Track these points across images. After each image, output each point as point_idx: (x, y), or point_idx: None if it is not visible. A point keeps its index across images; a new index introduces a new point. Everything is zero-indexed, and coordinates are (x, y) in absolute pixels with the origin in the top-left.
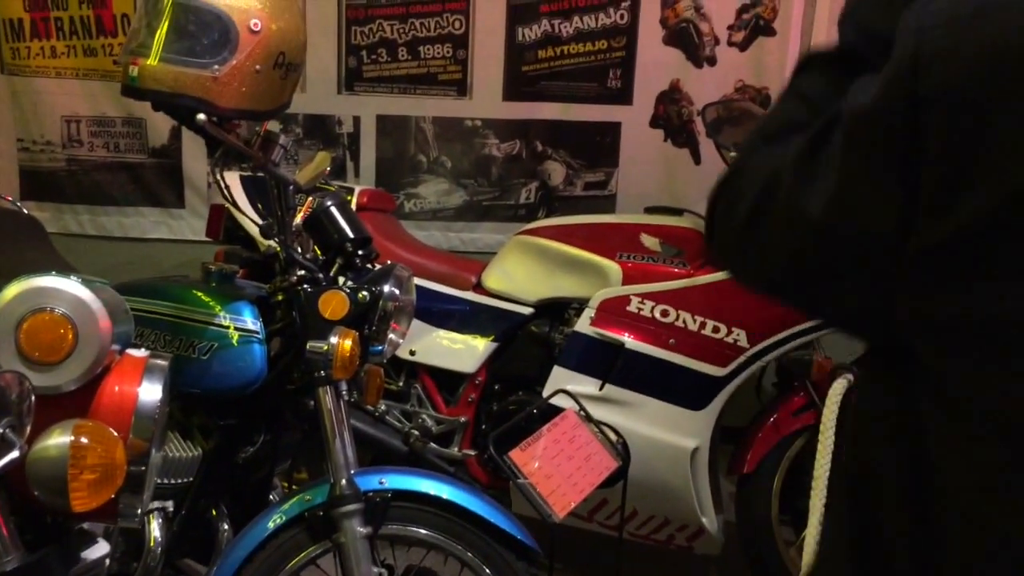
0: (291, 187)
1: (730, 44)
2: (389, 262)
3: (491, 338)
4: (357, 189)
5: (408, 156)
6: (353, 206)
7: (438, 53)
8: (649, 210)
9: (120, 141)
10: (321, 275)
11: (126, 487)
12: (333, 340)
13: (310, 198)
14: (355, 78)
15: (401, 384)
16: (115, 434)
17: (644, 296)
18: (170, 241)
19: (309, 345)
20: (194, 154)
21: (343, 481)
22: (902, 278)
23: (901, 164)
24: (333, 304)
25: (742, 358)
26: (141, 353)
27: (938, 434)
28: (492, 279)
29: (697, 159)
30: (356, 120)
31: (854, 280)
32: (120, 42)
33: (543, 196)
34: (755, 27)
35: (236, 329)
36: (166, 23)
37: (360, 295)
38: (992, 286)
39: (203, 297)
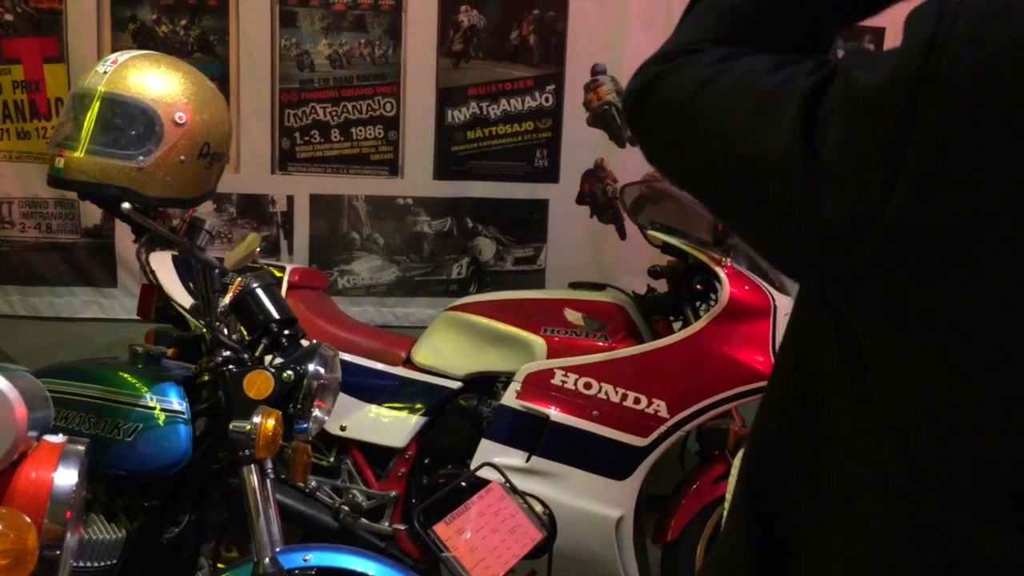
0: (217, 271)
1: None
2: (314, 341)
3: (420, 412)
4: (288, 268)
5: (341, 234)
6: (285, 285)
7: (370, 134)
8: (573, 285)
9: (52, 222)
10: (247, 355)
11: (39, 572)
12: (256, 420)
13: (239, 278)
14: (289, 158)
15: (332, 460)
16: (28, 520)
17: (568, 369)
18: (102, 320)
19: (232, 425)
20: (127, 233)
21: (266, 560)
22: (859, 252)
23: (893, 142)
24: (258, 384)
25: (663, 428)
26: (58, 439)
27: (839, 419)
28: (421, 354)
29: (622, 235)
30: (290, 199)
31: (788, 231)
32: (54, 125)
33: (474, 271)
34: None
35: (162, 410)
36: (93, 117)
37: (285, 374)
38: (962, 283)
39: (129, 379)
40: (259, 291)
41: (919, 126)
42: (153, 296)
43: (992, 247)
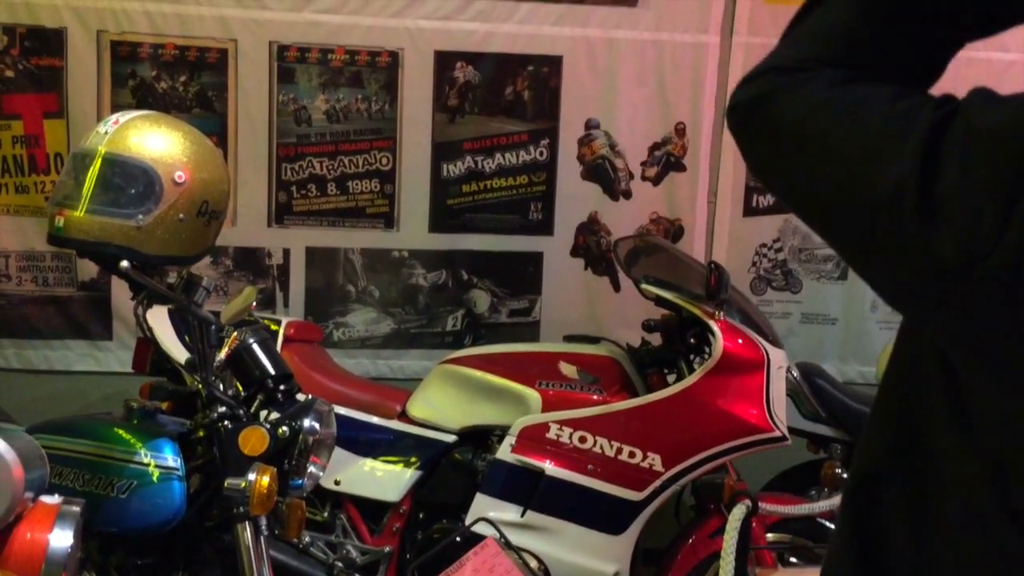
0: (213, 326)
1: (644, 179)
2: (310, 396)
3: (415, 466)
4: (284, 321)
5: (337, 286)
6: (280, 338)
7: (366, 188)
8: (568, 338)
9: (49, 275)
10: (242, 411)
11: None
12: (251, 477)
13: (235, 333)
14: (285, 212)
15: (326, 514)
16: None
17: (563, 423)
18: (97, 373)
19: (227, 482)
20: (123, 286)
21: None
22: (966, 288)
23: (1010, 183)
24: (252, 440)
25: (658, 483)
26: (54, 500)
27: (939, 451)
28: (416, 407)
29: (616, 287)
30: (286, 252)
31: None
32: (53, 179)
33: (469, 323)
34: (666, 163)
35: (156, 466)
36: (94, 177)
37: (280, 430)
38: None
39: (124, 435)
40: (255, 346)
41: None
42: (149, 349)
43: None
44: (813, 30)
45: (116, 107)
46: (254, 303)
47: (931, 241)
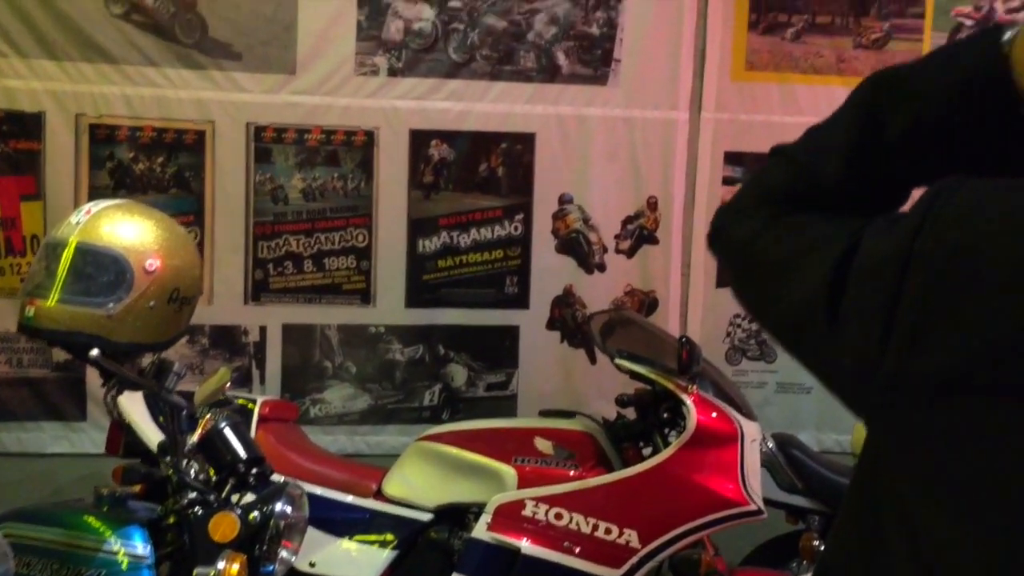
0: (184, 411)
1: (618, 252)
2: (283, 479)
3: (391, 546)
4: (259, 400)
5: (313, 363)
6: (255, 418)
7: (343, 264)
8: (543, 413)
9: (23, 356)
10: (212, 497)
11: None
12: (220, 565)
13: (208, 415)
14: (262, 289)
15: None
16: None
17: (538, 500)
18: (70, 456)
19: (196, 571)
20: None
21: None
22: (872, 394)
23: (887, 305)
24: (223, 527)
25: (635, 559)
26: None
27: (889, 547)
28: (392, 485)
29: (593, 359)
30: (262, 329)
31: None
32: (29, 261)
33: (446, 398)
34: (640, 236)
35: (126, 555)
36: (66, 266)
37: (251, 516)
38: (944, 432)
39: (93, 523)
40: (226, 430)
41: (905, 294)
42: (122, 432)
43: (966, 401)
44: (761, 180)
45: (93, 188)
46: (228, 383)
47: (838, 351)
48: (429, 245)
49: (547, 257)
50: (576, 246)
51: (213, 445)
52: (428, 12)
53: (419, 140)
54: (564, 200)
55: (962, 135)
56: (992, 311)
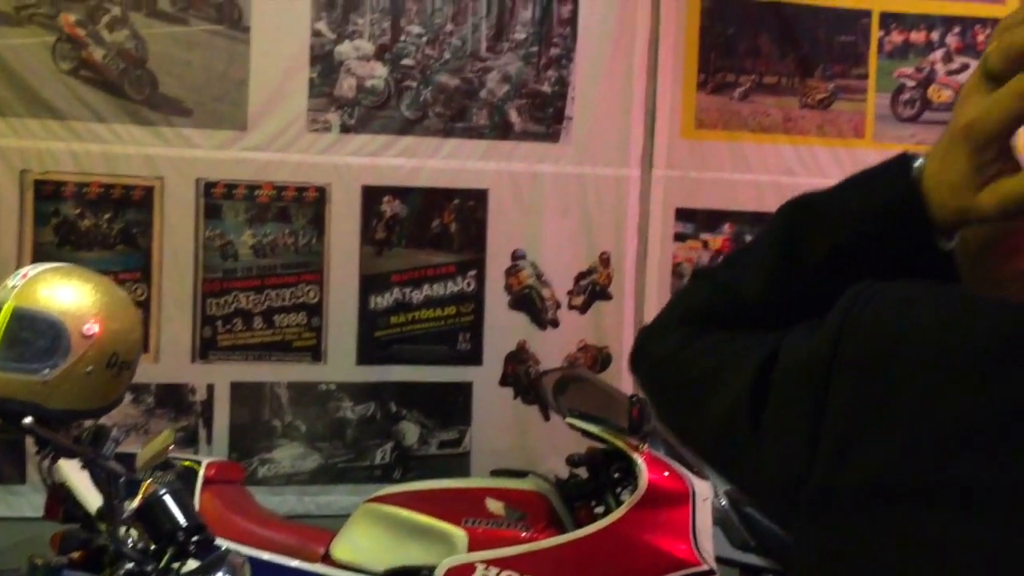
0: (123, 479)
1: (571, 308)
2: (224, 547)
3: None
4: (204, 462)
5: (262, 422)
6: (200, 480)
7: (293, 321)
8: (495, 473)
9: None
10: (151, 567)
11: None
12: None
13: (150, 479)
14: (210, 347)
15: None
16: None
17: (489, 563)
18: (8, 520)
19: None
20: None
21: None
22: (799, 506)
23: (811, 415)
24: None
25: None
26: None
27: None
28: (340, 549)
29: (546, 416)
30: (210, 388)
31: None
32: None
33: (398, 456)
34: (592, 292)
35: None
36: (1, 332)
37: None
38: (872, 543)
39: None
40: (166, 497)
41: (829, 403)
42: (61, 497)
43: (899, 511)
44: (682, 300)
45: (38, 245)
46: (172, 445)
47: (763, 464)
48: (381, 301)
49: (500, 313)
50: (529, 302)
51: (152, 513)
52: (381, 70)
53: (371, 196)
54: (517, 256)
55: (878, 261)
56: (917, 416)
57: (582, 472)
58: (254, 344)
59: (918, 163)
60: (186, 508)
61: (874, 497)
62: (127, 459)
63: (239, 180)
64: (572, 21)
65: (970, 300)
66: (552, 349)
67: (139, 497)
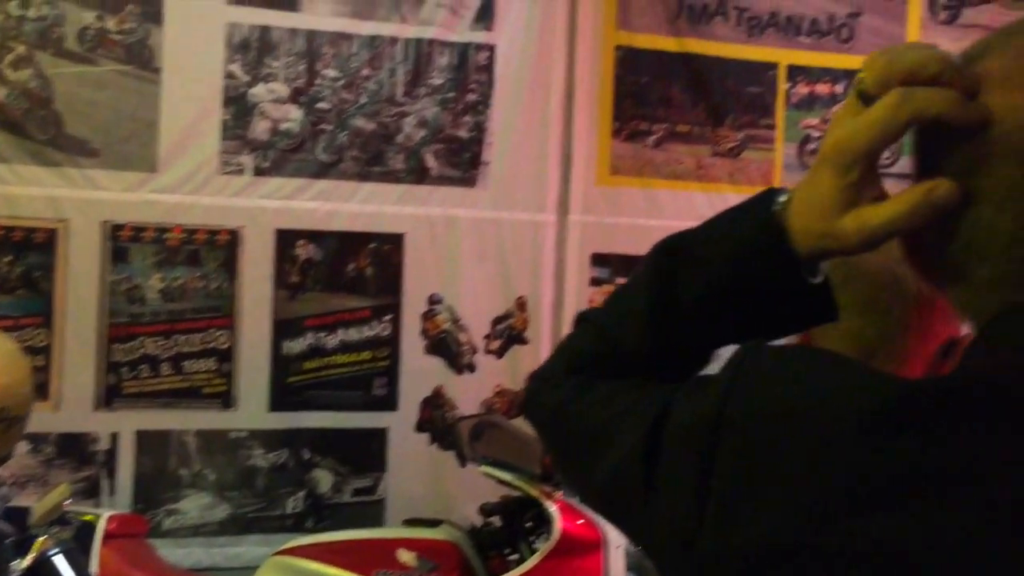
0: (11, 539)
1: (487, 352)
2: None
3: None
4: (105, 515)
5: (169, 471)
6: (100, 534)
7: (203, 367)
8: (408, 522)
9: None
10: None
11: None
12: None
13: (42, 538)
14: (114, 394)
15: None
16: None
17: None
18: None
19: None
20: None
21: None
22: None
23: (701, 475)
24: None
25: None
26: None
27: None
28: None
29: (463, 462)
30: (114, 436)
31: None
32: None
33: (311, 505)
34: (509, 337)
35: None
36: None
37: None
38: None
39: None
40: (58, 559)
41: (716, 465)
42: None
43: (789, 572)
44: (569, 347)
45: None
46: (68, 499)
47: (654, 523)
48: (294, 346)
49: (416, 358)
50: (446, 347)
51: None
52: (296, 113)
53: (285, 240)
54: (433, 300)
55: (751, 299)
56: (803, 480)
57: (497, 520)
58: (162, 391)
59: (783, 197)
60: (79, 568)
61: (760, 560)
62: (22, 513)
63: (148, 222)
64: (489, 68)
65: (855, 368)
66: (469, 394)
67: (29, 557)
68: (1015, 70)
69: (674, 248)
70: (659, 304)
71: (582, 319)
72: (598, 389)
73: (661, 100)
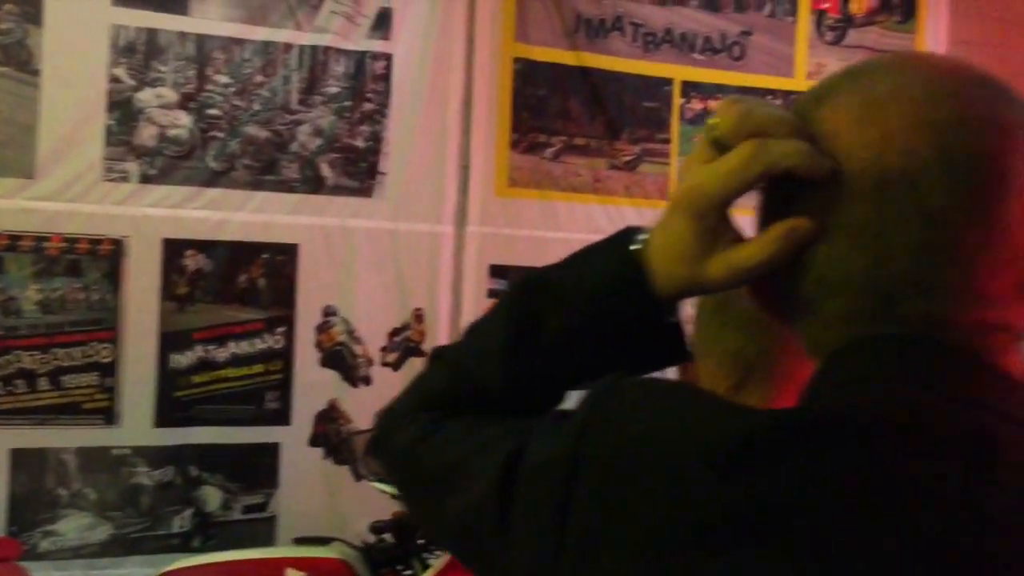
0: None
1: (384, 365)
2: None
3: None
4: None
5: (46, 491)
6: None
7: (83, 382)
8: (298, 541)
9: None
10: None
11: None
12: None
13: None
14: None
15: None
16: None
17: None
18: None
19: None
20: None
21: None
22: None
23: (557, 513)
24: None
25: None
26: None
27: None
28: None
29: (357, 476)
30: None
31: None
32: None
33: (199, 523)
34: (406, 349)
35: None
36: None
37: None
38: None
39: None
40: None
41: (574, 503)
42: None
43: None
44: (422, 384)
45: None
46: None
47: (510, 565)
48: (183, 360)
49: (310, 371)
50: (341, 359)
51: None
52: (185, 119)
53: (173, 250)
54: (328, 312)
55: (610, 337)
56: (658, 516)
57: (390, 537)
58: (39, 407)
59: (642, 236)
60: None
61: None
62: None
63: (25, 231)
64: (386, 77)
65: (708, 404)
66: (364, 407)
67: None
68: (862, 111)
69: (533, 285)
70: (517, 341)
71: (436, 356)
72: (451, 427)
73: (559, 113)
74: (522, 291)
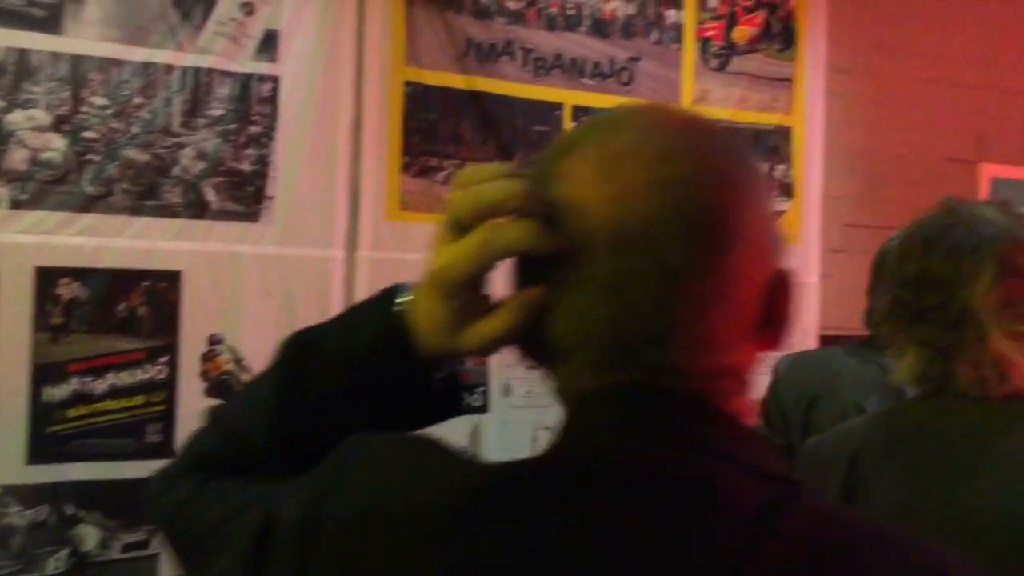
0: None
1: None
2: None
3: None
4: None
5: None
6: None
7: None
8: None
9: None
10: None
11: None
12: None
13: None
14: None
15: None
16: None
17: None
18: None
19: None
20: None
21: None
22: None
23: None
24: None
25: None
26: None
27: None
28: None
29: None
30: None
31: None
32: None
33: (75, 564)
34: None
35: None
36: None
37: None
38: None
39: None
40: None
41: (318, 565)
42: None
43: None
44: (194, 444)
45: None
46: None
47: None
48: (57, 393)
49: (196, 402)
50: (228, 389)
51: None
52: (59, 142)
53: (46, 278)
54: (214, 341)
55: (377, 395)
56: (388, 573)
57: None
58: None
59: (405, 296)
60: None
61: None
62: None
63: None
64: (273, 99)
65: (446, 457)
66: None
67: None
68: (599, 167)
69: (302, 343)
70: (285, 399)
71: (210, 414)
72: (216, 488)
73: (451, 136)
74: (291, 348)
